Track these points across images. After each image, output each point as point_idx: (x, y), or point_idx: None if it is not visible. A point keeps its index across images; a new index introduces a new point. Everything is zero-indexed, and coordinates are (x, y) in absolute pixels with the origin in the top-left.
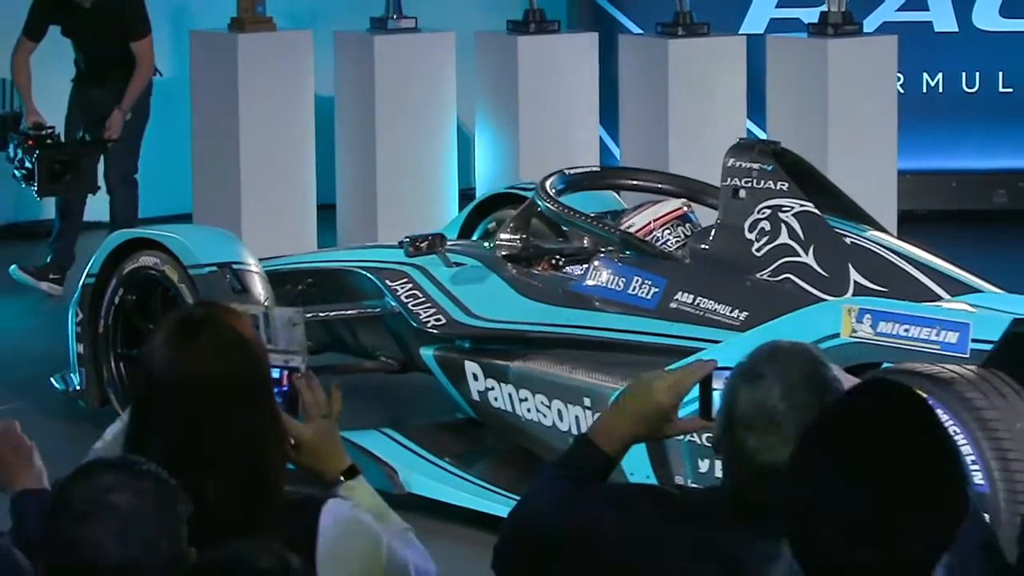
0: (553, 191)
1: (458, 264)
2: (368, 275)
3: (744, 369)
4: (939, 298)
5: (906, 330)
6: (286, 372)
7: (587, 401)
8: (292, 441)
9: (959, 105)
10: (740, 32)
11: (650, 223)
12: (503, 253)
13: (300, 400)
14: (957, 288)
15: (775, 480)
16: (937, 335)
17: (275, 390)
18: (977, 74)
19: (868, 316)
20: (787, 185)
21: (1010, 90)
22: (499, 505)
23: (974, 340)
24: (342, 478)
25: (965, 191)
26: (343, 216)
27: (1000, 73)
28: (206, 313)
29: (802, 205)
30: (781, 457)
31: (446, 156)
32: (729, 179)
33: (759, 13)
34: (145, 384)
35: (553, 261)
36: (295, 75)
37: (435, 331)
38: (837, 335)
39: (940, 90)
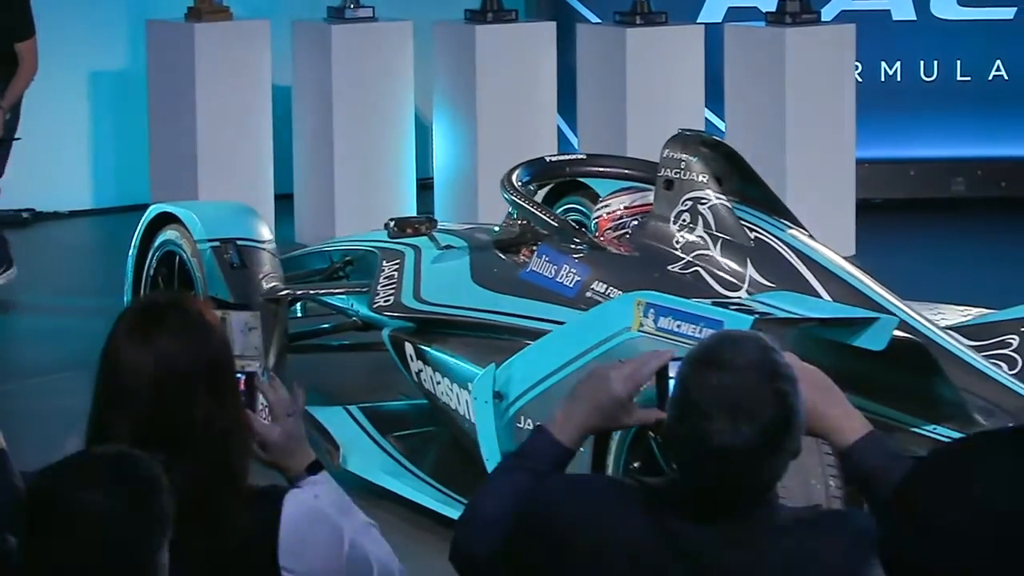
0: (520, 182)
1: (449, 247)
2: (378, 255)
3: (697, 356)
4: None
5: (679, 326)
6: (243, 377)
7: (471, 387)
8: (258, 440)
9: (917, 94)
10: (698, 21)
11: (620, 210)
12: (498, 238)
13: (264, 400)
14: (846, 292)
15: (728, 463)
16: (699, 332)
17: None
18: (935, 63)
19: (652, 311)
20: (707, 177)
21: (968, 79)
22: (426, 496)
23: None
24: (306, 473)
25: (923, 179)
26: (301, 206)
27: (958, 62)
28: (170, 299)
29: (717, 198)
30: (734, 440)
31: (404, 145)
32: (663, 170)
33: (717, 2)
34: (109, 369)
35: (533, 248)
36: (252, 65)
37: (380, 312)
38: (630, 328)
39: (898, 79)
